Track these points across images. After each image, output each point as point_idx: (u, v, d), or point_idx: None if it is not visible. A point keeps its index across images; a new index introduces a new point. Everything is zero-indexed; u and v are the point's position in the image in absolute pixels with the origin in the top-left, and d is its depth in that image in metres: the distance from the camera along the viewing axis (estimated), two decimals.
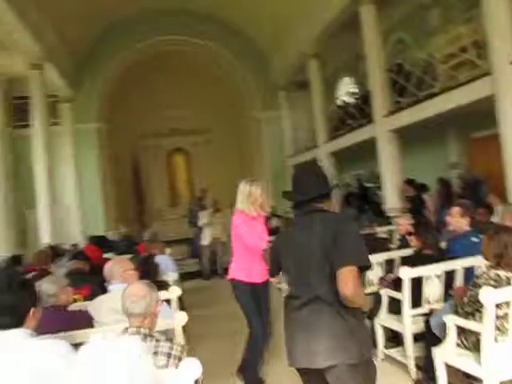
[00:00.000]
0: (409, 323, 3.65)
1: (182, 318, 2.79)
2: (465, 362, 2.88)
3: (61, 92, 12.82)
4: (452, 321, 2.95)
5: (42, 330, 2.90)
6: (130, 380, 1.50)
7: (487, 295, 2.59)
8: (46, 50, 9.96)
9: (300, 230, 2.17)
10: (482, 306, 2.68)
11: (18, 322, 1.87)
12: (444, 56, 7.49)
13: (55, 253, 5.61)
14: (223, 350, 4.69)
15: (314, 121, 11.61)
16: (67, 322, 2.92)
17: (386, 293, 3.98)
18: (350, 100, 11.39)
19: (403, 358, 3.78)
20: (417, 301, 3.67)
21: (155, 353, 2.07)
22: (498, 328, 2.75)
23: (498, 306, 2.71)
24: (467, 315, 2.87)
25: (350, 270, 1.94)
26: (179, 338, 2.75)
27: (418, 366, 3.61)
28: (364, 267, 2.03)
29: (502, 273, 2.78)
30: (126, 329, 2.20)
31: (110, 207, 14.29)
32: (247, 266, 3.74)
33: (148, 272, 4.00)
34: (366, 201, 10.57)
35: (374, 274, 4.50)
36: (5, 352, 1.73)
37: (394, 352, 3.98)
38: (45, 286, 3.13)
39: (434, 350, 3.09)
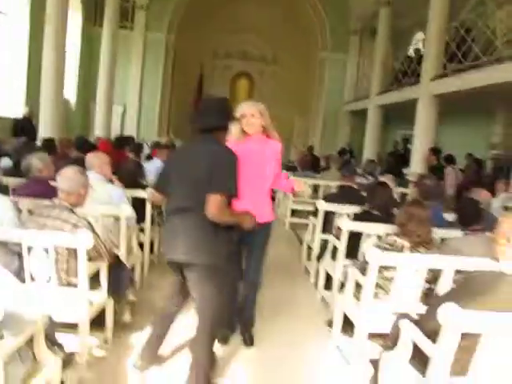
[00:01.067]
0: (339, 270, 3.98)
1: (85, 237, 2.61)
2: (352, 311, 3.22)
3: None
4: (351, 273, 3.27)
5: (25, 192, 3.58)
6: None
7: (371, 255, 2.85)
8: None
9: (190, 152, 2.54)
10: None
11: None
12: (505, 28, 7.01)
13: (80, 142, 6.35)
14: None
15: (373, 71, 11.33)
16: (45, 190, 3.55)
17: (331, 240, 4.29)
18: (413, 56, 10.90)
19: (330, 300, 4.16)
20: (353, 251, 3.95)
21: (64, 220, 2.62)
22: (381, 287, 3.04)
23: (385, 267, 2.98)
24: (364, 271, 3.16)
25: (216, 197, 2.33)
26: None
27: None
28: (230, 195, 2.40)
29: (399, 240, 3.01)
30: (54, 201, 2.75)
31: (167, 115, 15.10)
32: None
33: (131, 171, 4.55)
34: (404, 162, 10.41)
35: (341, 222, 4.77)
36: None
37: (327, 293, 4.36)
38: (34, 161, 3.78)
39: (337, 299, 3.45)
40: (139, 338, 3.04)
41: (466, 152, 8.67)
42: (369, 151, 11.30)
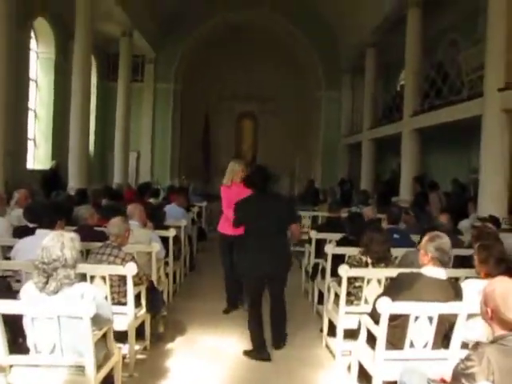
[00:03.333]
0: (327, 286, 4.88)
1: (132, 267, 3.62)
2: (333, 315, 4.13)
3: (146, 53, 14.72)
4: (332, 286, 4.21)
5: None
6: None
7: (341, 270, 3.80)
8: (134, 20, 11.72)
9: (266, 203, 4.09)
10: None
11: (49, 226, 3.54)
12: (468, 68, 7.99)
13: (107, 190, 7.44)
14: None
15: (364, 107, 12.45)
16: (92, 235, 4.56)
17: (322, 262, 5.23)
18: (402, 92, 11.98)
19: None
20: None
21: (116, 256, 3.63)
22: (354, 295, 3.96)
23: (355, 279, 3.91)
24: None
25: (296, 225, 4.11)
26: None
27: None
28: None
29: (364, 258, 3.95)
30: (105, 243, 3.76)
31: (178, 159, 16.31)
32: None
33: (155, 216, 5.57)
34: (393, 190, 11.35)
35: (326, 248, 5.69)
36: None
37: (320, 307, 5.26)
38: (81, 211, 4.81)
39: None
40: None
41: (450, 177, 9.58)
42: (365, 181, 12.27)
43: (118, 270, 3.53)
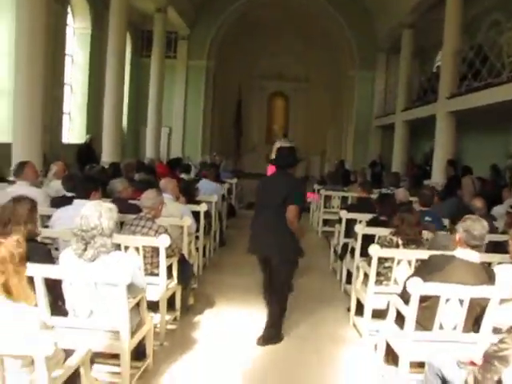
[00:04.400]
0: (356, 266, 4.89)
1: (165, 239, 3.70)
2: (362, 295, 4.14)
3: (180, 30, 14.70)
4: (361, 266, 4.21)
5: None
6: None
7: (372, 250, 3.79)
8: None
9: (273, 179, 4.10)
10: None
11: (85, 196, 3.66)
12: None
13: (140, 165, 7.58)
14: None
15: (399, 88, 12.16)
16: (125, 208, 4.67)
17: (351, 242, 5.22)
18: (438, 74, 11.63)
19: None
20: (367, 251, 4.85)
21: (150, 228, 3.72)
22: (383, 275, 3.96)
23: (386, 259, 3.90)
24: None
25: (294, 207, 3.72)
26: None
27: None
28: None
29: (395, 239, 3.93)
30: (139, 215, 3.86)
31: (209, 135, 16.39)
32: None
33: (188, 191, 5.66)
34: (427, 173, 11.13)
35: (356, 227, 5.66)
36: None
37: (348, 287, 5.28)
38: (115, 185, 4.93)
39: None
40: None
41: (485, 162, 9.32)
42: (397, 163, 12.07)
43: (152, 241, 3.63)
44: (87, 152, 11.08)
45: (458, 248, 3.03)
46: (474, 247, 2.93)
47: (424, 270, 3.02)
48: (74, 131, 12.08)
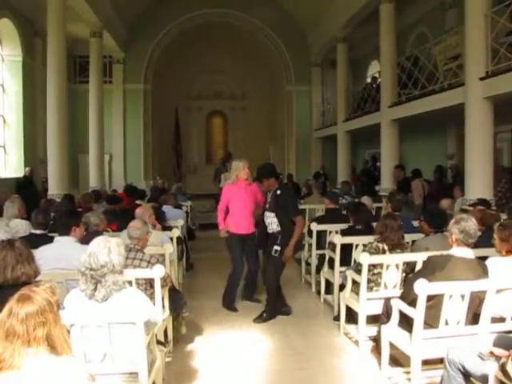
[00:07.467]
0: (337, 275, 4.99)
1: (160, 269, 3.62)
2: (352, 302, 4.24)
3: (114, 53, 14.39)
4: (349, 274, 4.31)
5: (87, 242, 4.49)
6: None
7: (362, 258, 3.91)
8: (103, 21, 11.44)
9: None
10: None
11: (66, 233, 3.45)
12: (446, 58, 8.28)
13: (97, 195, 7.26)
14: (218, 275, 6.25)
15: (337, 100, 12.68)
16: None
17: (328, 253, 5.33)
18: (373, 84, 12.26)
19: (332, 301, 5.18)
20: (345, 260, 4.98)
21: (141, 259, 3.58)
22: (373, 281, 4.08)
23: (374, 266, 4.03)
24: (358, 271, 4.21)
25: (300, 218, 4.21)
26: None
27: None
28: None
29: (381, 245, 4.07)
30: (128, 246, 3.70)
31: (151, 159, 16.06)
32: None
33: (161, 218, 5.53)
34: (374, 179, 11.65)
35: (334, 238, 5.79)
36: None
37: (328, 297, 5.37)
38: (90, 218, 4.69)
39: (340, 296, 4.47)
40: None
41: (427, 164, 9.91)
42: (342, 173, 12.50)
43: (146, 273, 3.49)
44: (28, 185, 10.51)
45: (454, 247, 3.22)
46: (469, 245, 3.13)
47: (426, 270, 3.16)
48: (9, 164, 11.38)
